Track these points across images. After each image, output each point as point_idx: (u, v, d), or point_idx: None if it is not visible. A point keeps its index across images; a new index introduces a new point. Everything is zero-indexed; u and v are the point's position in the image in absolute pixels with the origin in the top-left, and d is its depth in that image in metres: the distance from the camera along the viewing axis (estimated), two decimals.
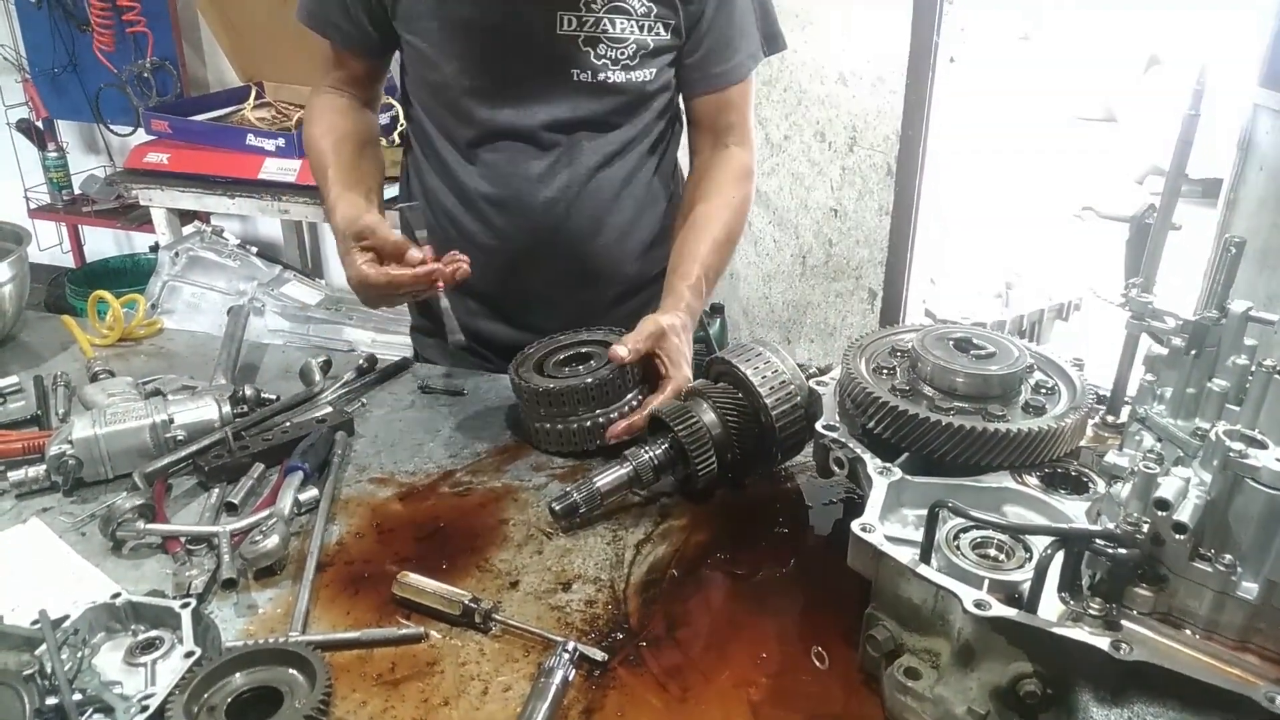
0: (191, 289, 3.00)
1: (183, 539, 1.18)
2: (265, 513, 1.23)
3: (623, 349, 1.40)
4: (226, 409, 1.41)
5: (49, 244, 4.84)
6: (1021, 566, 0.95)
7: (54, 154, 4.45)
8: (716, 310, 4.20)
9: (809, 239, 4.12)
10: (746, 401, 1.29)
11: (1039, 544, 0.95)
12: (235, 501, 1.27)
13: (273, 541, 1.14)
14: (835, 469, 1.15)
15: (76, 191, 4.50)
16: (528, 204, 1.60)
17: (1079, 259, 5.57)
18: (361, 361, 1.63)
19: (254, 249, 3.23)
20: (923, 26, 3.68)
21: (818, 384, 1.27)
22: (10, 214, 4.63)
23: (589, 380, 1.37)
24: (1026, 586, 0.92)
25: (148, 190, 3.62)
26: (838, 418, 1.20)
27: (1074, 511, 1.03)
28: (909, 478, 1.09)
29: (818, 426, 1.18)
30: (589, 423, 1.39)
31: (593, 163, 1.61)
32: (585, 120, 1.58)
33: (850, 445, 1.13)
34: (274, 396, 1.52)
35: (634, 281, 1.74)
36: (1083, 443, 1.14)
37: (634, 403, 1.41)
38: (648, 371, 1.44)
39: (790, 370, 1.29)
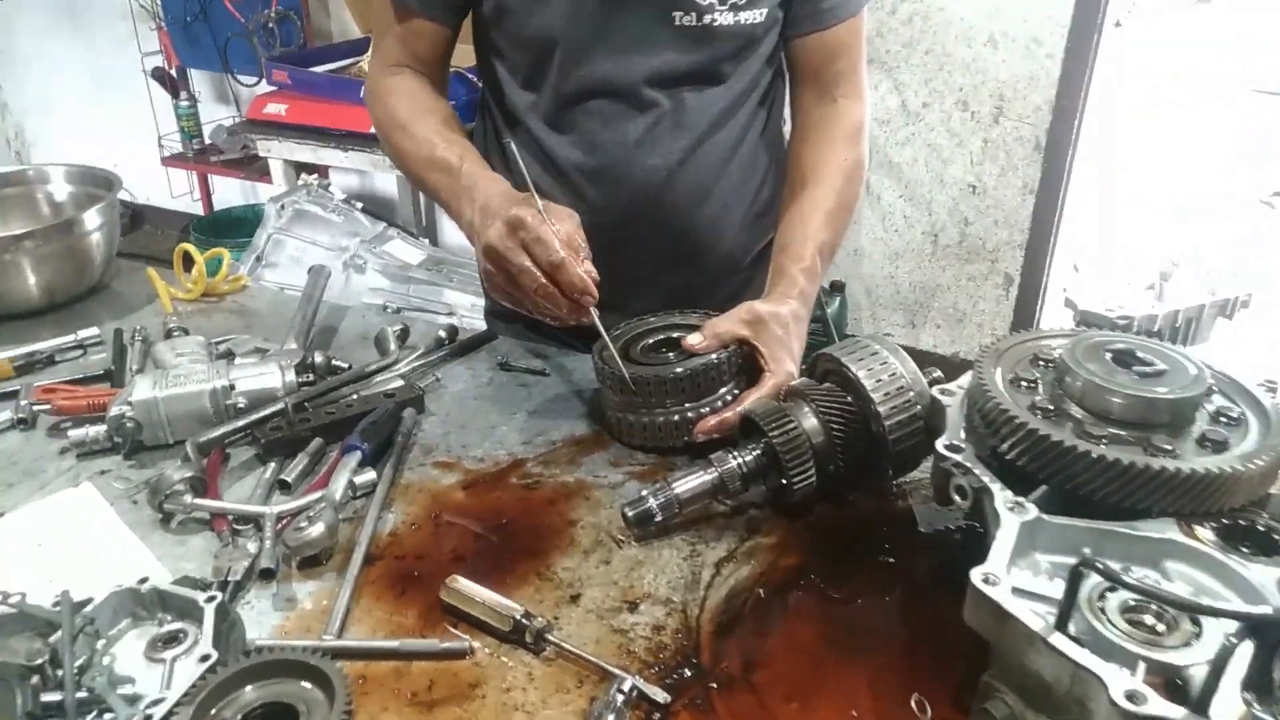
0: (295, 243, 2.98)
1: (230, 517, 1.10)
2: (316, 494, 1.13)
3: (696, 337, 1.25)
4: (291, 377, 1.32)
5: (181, 191, 4.99)
6: (1188, 644, 0.76)
7: (185, 103, 4.56)
8: (837, 288, 3.98)
9: (943, 216, 3.84)
10: (855, 407, 1.12)
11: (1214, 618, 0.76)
12: (289, 480, 1.18)
13: (317, 530, 1.04)
14: (956, 498, 0.97)
15: (206, 141, 4.61)
16: (625, 173, 1.45)
17: (1253, 250, 5.05)
18: (441, 332, 1.53)
19: (359, 204, 3.19)
20: None
21: (942, 392, 1.09)
22: (144, 160, 4.82)
23: (678, 370, 1.23)
24: (1194, 672, 0.73)
25: (266, 141, 3.64)
26: (963, 435, 1.02)
27: (1260, 579, 0.83)
28: (1047, 517, 0.90)
29: (938, 445, 1.00)
30: (676, 417, 1.24)
31: (699, 123, 1.45)
32: (690, 73, 1.41)
33: (976, 472, 0.95)
34: (345, 365, 1.43)
35: (737, 257, 1.57)
36: (1274, 489, 0.93)
37: (728, 398, 1.26)
38: (748, 364, 1.28)
39: (910, 374, 1.11)
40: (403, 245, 3.03)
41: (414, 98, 1.50)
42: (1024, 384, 1.01)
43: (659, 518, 1.08)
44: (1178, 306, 4.29)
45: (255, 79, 4.18)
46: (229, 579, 1.00)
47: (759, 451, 1.12)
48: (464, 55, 1.56)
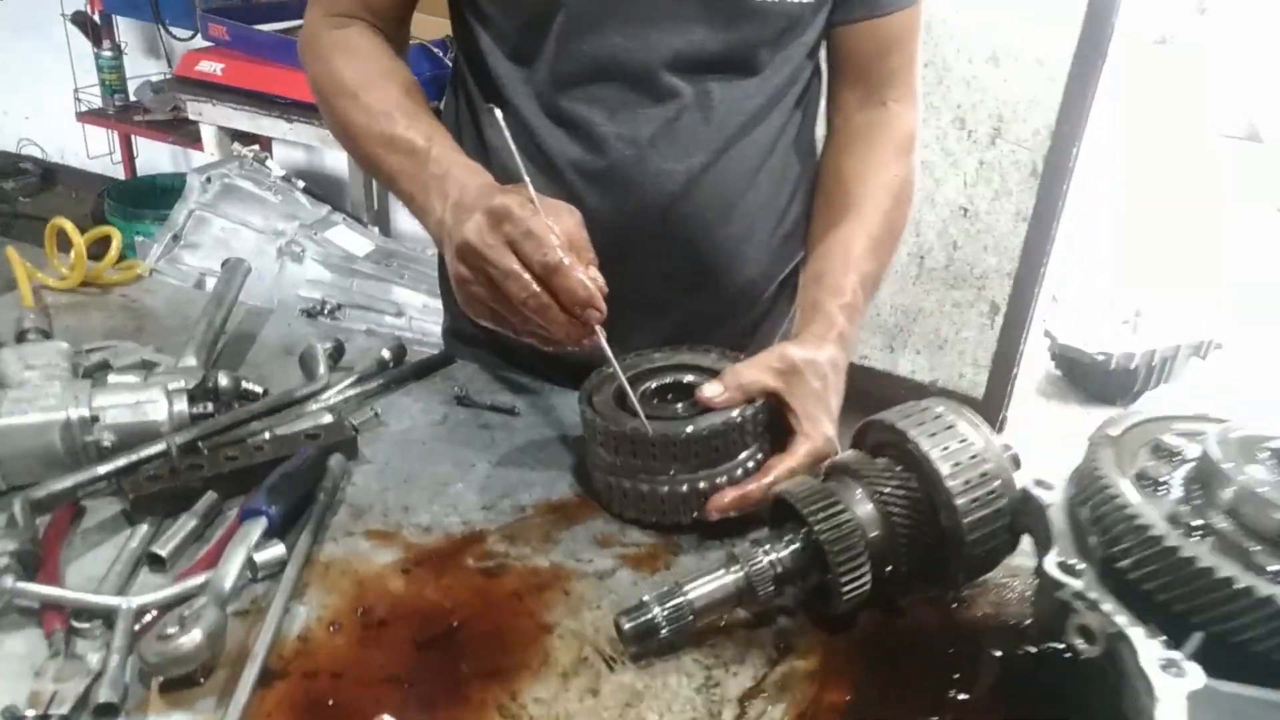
0: (222, 222, 2.63)
1: (67, 610, 0.80)
2: (200, 578, 0.84)
3: (715, 388, 0.98)
4: (181, 406, 1.02)
5: (100, 152, 4.56)
6: None
7: (109, 53, 4.12)
8: None
9: (930, 238, 3.63)
10: (921, 492, 0.86)
11: None
12: (163, 554, 0.88)
13: (191, 639, 0.75)
14: (1078, 642, 0.70)
15: (131, 98, 4.19)
16: (635, 178, 1.16)
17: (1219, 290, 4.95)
18: (385, 352, 1.23)
19: (301, 183, 2.86)
20: (1099, 5, 3.14)
21: (1037, 485, 0.83)
22: (59, 114, 4.37)
23: (690, 430, 0.95)
24: None
25: (197, 103, 3.28)
26: (1071, 544, 0.76)
27: None
28: (1215, 684, 0.65)
29: (1049, 564, 0.74)
30: (685, 488, 0.97)
31: (728, 122, 1.17)
32: (721, 58, 1.13)
33: (1106, 609, 0.69)
34: (260, 390, 1.13)
35: (760, 284, 1.29)
36: None
37: (750, 465, 0.99)
38: (774, 421, 1.01)
39: (993, 454, 0.85)
40: (348, 233, 2.69)
41: (367, 57, 1.18)
42: (1151, 484, 0.76)
43: (665, 633, 0.81)
44: (1154, 346, 4.16)
45: (190, 32, 3.80)
46: (49, 712, 0.70)
47: (798, 546, 0.85)
48: (422, 26, 1.26)
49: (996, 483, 0.84)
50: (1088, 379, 4.14)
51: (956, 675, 0.83)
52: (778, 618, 0.88)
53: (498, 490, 1.03)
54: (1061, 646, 0.79)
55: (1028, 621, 0.88)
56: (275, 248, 2.60)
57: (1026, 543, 0.86)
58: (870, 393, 3.88)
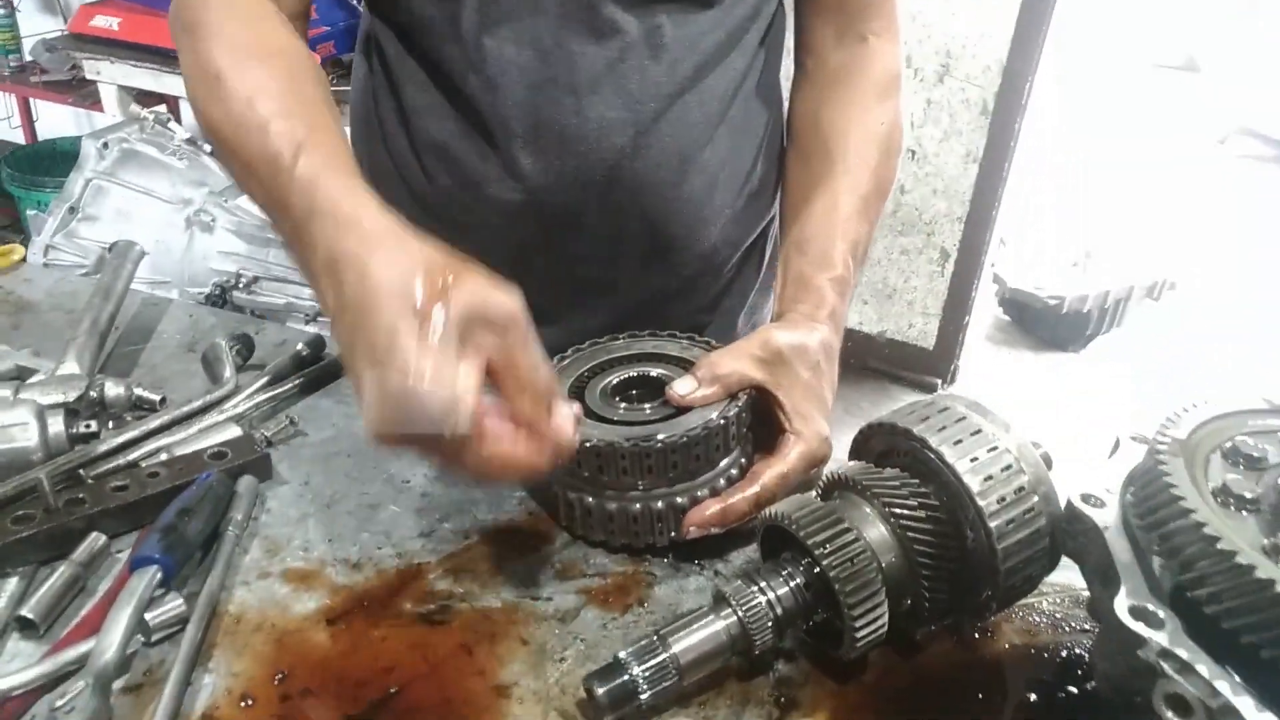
0: (124, 192, 2.38)
1: None
2: (78, 649, 0.68)
3: (689, 384, 0.85)
4: (57, 427, 0.85)
5: None
6: None
7: (1, 10, 3.79)
8: None
9: None
10: (942, 510, 0.74)
11: None
12: (33, 617, 0.72)
13: None
14: (1170, 714, 0.59)
15: (27, 58, 3.85)
16: (574, 133, 0.99)
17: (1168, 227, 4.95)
18: (301, 347, 1.06)
19: (208, 147, 2.61)
20: None
21: (1085, 500, 0.71)
22: None
23: (661, 438, 0.81)
24: None
25: (94, 61, 3.00)
26: (1145, 586, 0.64)
27: None
28: None
29: (1120, 609, 0.62)
30: (659, 503, 0.83)
31: (682, 63, 1.01)
32: None
33: (1204, 674, 0.58)
34: (156, 399, 0.97)
35: (723, 253, 1.15)
36: None
37: (732, 472, 0.86)
38: (759, 416, 0.88)
39: (1028, 462, 0.73)
40: None
41: (244, 27, 0.88)
42: (1235, 501, 0.65)
43: (645, 696, 0.68)
44: (1105, 288, 4.12)
45: None
46: None
47: (800, 581, 0.72)
48: None
49: (1034, 499, 0.72)
50: (1039, 324, 4.10)
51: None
52: (776, 663, 0.76)
53: (437, 512, 0.88)
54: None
55: (1063, 653, 0.77)
56: (183, 218, 2.37)
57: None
58: None
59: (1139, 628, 0.60)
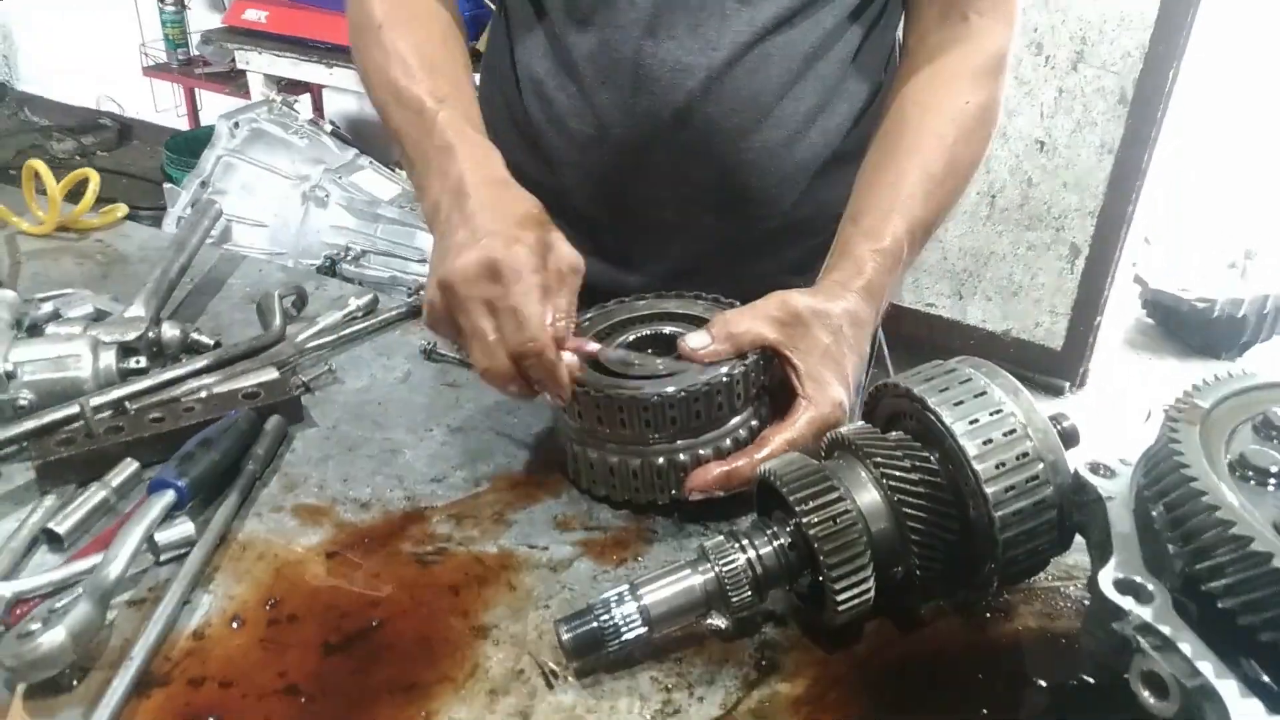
0: (249, 168, 2.53)
1: None
2: (90, 561, 0.73)
3: (701, 338, 0.83)
4: (108, 361, 0.91)
5: (166, 106, 4.56)
6: None
7: (171, 7, 4.09)
8: None
9: (1002, 175, 3.35)
10: (943, 475, 0.69)
11: None
12: (60, 531, 0.77)
13: (53, 638, 0.64)
14: (1147, 695, 0.54)
15: (193, 51, 4.15)
16: (647, 70, 0.99)
17: None
18: (354, 301, 1.10)
19: (329, 127, 2.74)
20: None
21: (1093, 470, 0.66)
22: (131, 71, 4.38)
23: (665, 390, 0.80)
24: None
25: (244, 51, 3.21)
26: (1137, 555, 0.59)
27: None
28: None
29: (1104, 582, 0.57)
30: (661, 459, 0.82)
31: (761, 12, 0.99)
32: None
33: (1186, 651, 0.52)
34: (210, 342, 1.02)
35: (809, 214, 1.11)
36: None
37: (742, 433, 0.84)
38: (775, 384, 0.85)
39: (1036, 427, 0.68)
40: (374, 177, 2.56)
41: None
42: (1256, 476, 0.58)
43: (614, 645, 0.67)
44: (1267, 291, 3.79)
45: None
46: None
47: (785, 541, 0.70)
48: None
49: (1039, 466, 0.67)
50: (1187, 329, 3.80)
51: (986, 710, 0.68)
52: (763, 627, 0.73)
53: (452, 460, 0.90)
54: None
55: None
56: (300, 193, 2.50)
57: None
58: (936, 343, 3.68)
59: (1121, 600, 0.54)
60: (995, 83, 1.03)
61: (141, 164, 4.91)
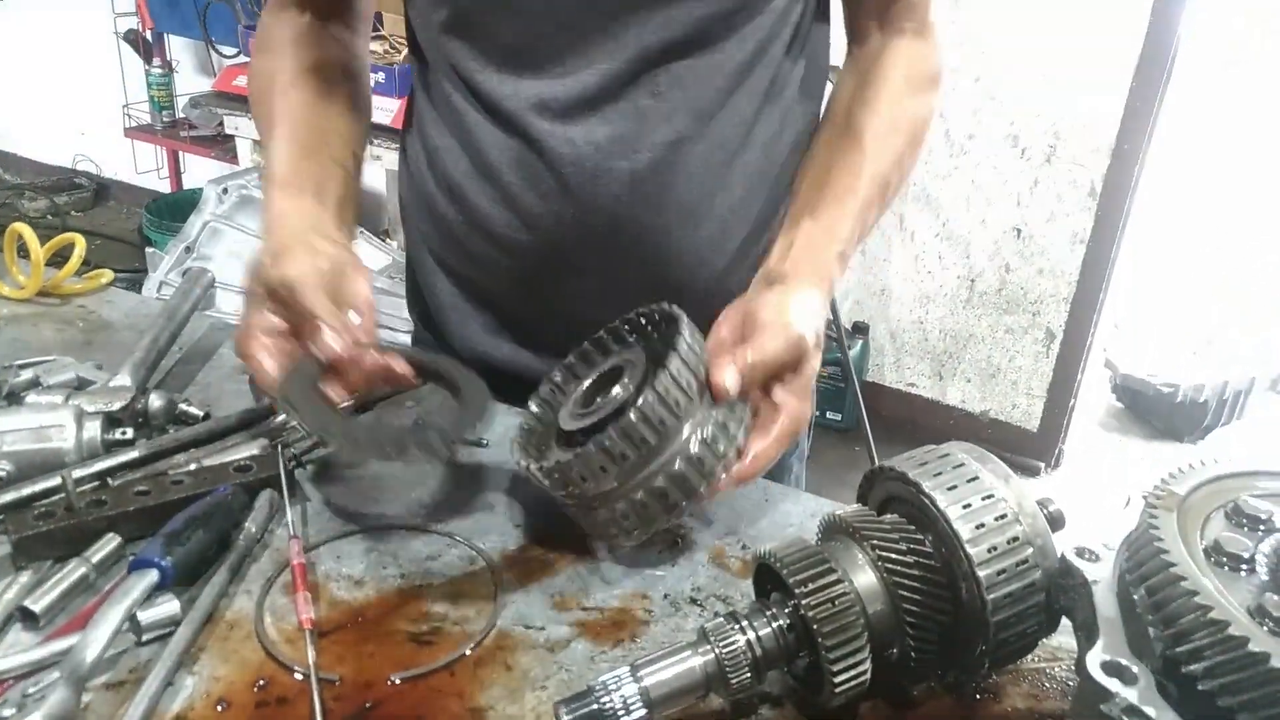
0: (236, 234, 2.54)
1: None
2: (68, 641, 0.71)
3: (730, 376, 0.82)
4: (92, 432, 0.90)
5: (148, 167, 4.58)
6: None
7: (159, 70, 4.13)
8: (859, 330, 3.58)
9: (981, 261, 3.43)
10: (936, 558, 0.70)
11: None
12: (35, 609, 0.75)
13: None
14: None
15: (179, 114, 4.19)
16: (570, 177, 1.00)
17: None
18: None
19: None
20: (1163, 18, 2.94)
21: (1079, 554, 0.66)
22: (111, 130, 4.40)
23: (598, 444, 0.78)
24: None
25: (233, 117, 3.25)
26: (1122, 636, 0.60)
27: None
28: None
29: (1092, 663, 0.57)
30: (639, 494, 0.80)
31: (678, 114, 1.00)
32: (679, 43, 0.97)
33: None
34: (199, 414, 1.01)
35: (735, 286, 1.05)
36: None
37: (702, 433, 0.81)
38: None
39: (1026, 514, 0.69)
40: (363, 247, 2.58)
41: (277, 46, 1.10)
42: (1229, 561, 0.59)
43: None
44: (1225, 377, 3.87)
45: (235, 50, 3.78)
46: None
47: (784, 623, 0.69)
48: None
49: (1029, 550, 0.68)
50: (1153, 412, 3.88)
51: None
52: (760, 708, 0.72)
53: (448, 538, 0.89)
54: None
55: None
56: None
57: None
58: (916, 422, 3.72)
59: (1108, 682, 0.55)
60: (931, 95, 1.08)
61: (117, 225, 4.90)
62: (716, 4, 0.96)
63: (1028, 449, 3.54)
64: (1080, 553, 0.66)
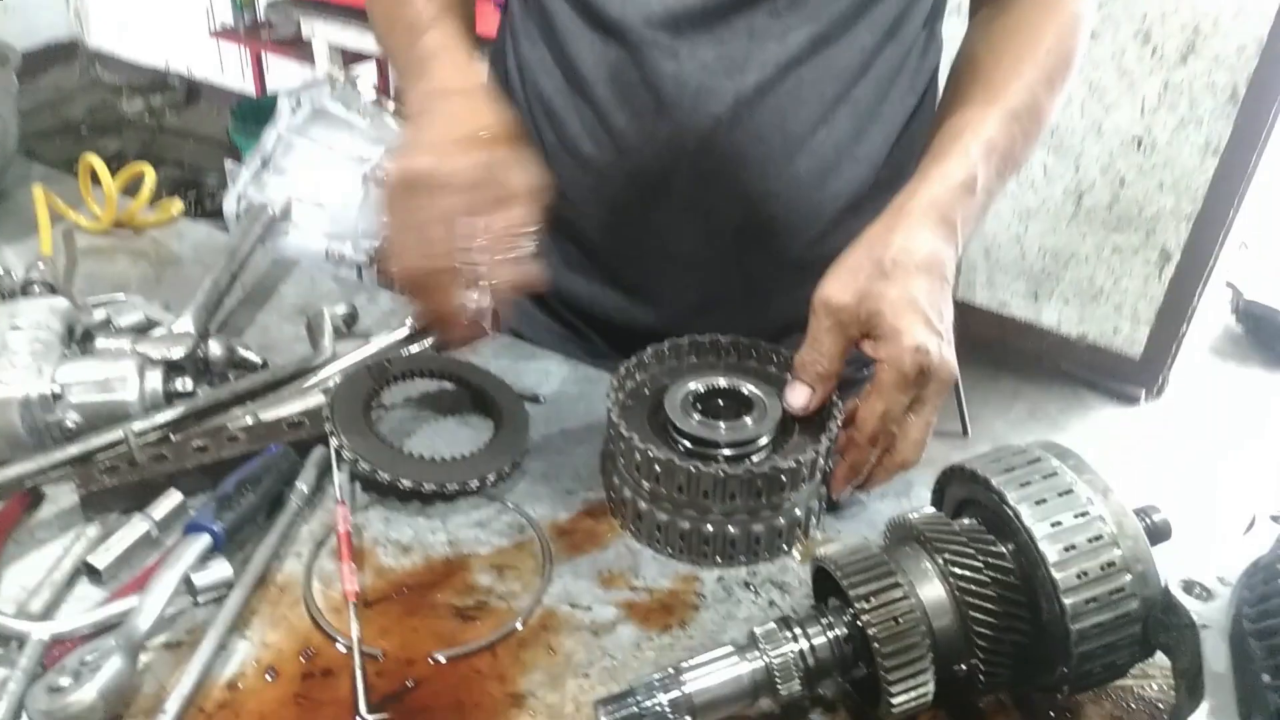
0: (310, 146, 2.52)
1: None
2: (122, 604, 0.72)
3: (801, 395, 0.80)
4: (154, 383, 0.90)
5: (234, 69, 4.60)
6: None
7: None
8: None
9: (1093, 173, 3.20)
10: (1015, 572, 0.64)
11: None
12: (99, 566, 0.76)
13: (82, 699, 0.63)
14: None
15: (260, 17, 4.17)
16: (668, 95, 0.93)
17: None
18: (409, 323, 1.07)
19: (392, 106, 2.71)
20: None
21: (1187, 590, 0.60)
22: (194, 31, 4.42)
23: (724, 470, 0.76)
24: None
25: (309, 20, 3.21)
26: (1234, 700, 0.53)
27: None
28: None
29: None
30: (710, 527, 0.78)
31: (794, 34, 0.91)
32: None
33: None
34: (258, 361, 1.00)
35: (836, 248, 1.03)
36: None
37: (799, 511, 0.80)
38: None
39: (1125, 534, 0.62)
40: None
41: None
42: None
43: None
44: None
45: None
46: None
47: (841, 633, 0.65)
48: None
49: (1126, 578, 0.61)
50: (1278, 340, 3.63)
51: None
52: (810, 713, 0.69)
53: (496, 504, 0.87)
54: None
55: None
56: (361, 174, 2.49)
57: None
58: (1007, 344, 3.56)
59: None
60: (1074, 38, 0.95)
61: (208, 126, 4.96)
62: None
63: (1128, 376, 3.36)
64: (1188, 587, 0.59)
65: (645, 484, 0.80)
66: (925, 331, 0.77)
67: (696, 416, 0.82)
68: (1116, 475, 0.66)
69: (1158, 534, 0.67)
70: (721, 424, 0.81)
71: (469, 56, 0.91)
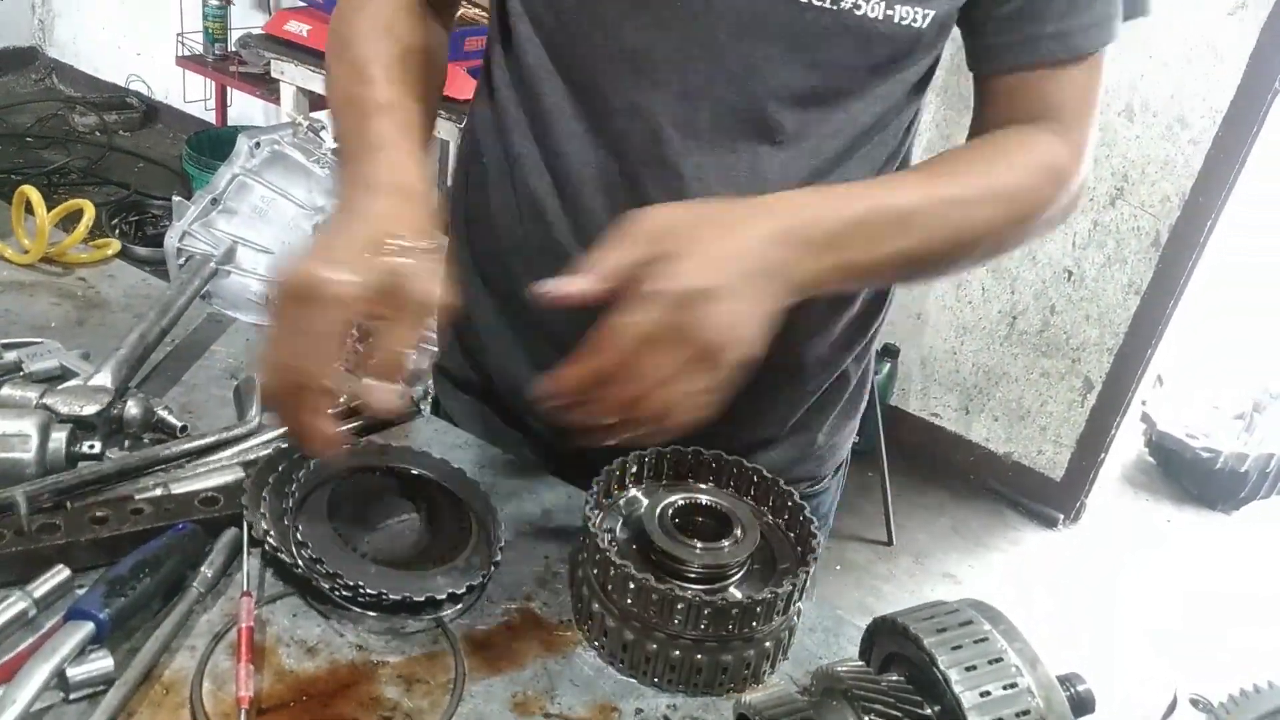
0: (264, 190, 2.47)
1: None
2: None
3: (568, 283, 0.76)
4: (58, 443, 0.84)
5: (196, 97, 4.54)
6: None
7: (215, 2, 4.09)
8: (889, 352, 3.48)
9: (1026, 298, 3.31)
10: None
11: None
12: None
13: None
14: None
15: (231, 48, 4.13)
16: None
17: None
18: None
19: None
20: (1265, 60, 2.78)
21: None
22: (165, 55, 4.36)
23: (693, 596, 0.75)
24: None
25: (279, 62, 3.19)
26: None
27: None
28: None
29: None
30: (678, 653, 0.77)
31: (796, 163, 0.92)
32: (799, 88, 0.88)
33: None
34: (176, 425, 0.95)
35: (809, 370, 1.05)
36: None
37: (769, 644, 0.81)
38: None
39: (1054, 707, 0.61)
40: None
41: (378, 14, 0.97)
42: None
43: None
44: (1273, 450, 3.72)
45: None
46: None
47: None
48: None
49: None
50: (1187, 475, 3.75)
51: None
52: None
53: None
54: None
55: None
56: (311, 224, 2.45)
57: None
58: (937, 454, 3.63)
59: None
60: (1052, 185, 0.92)
61: (161, 150, 4.85)
62: (877, 52, 0.87)
63: (1049, 498, 3.44)
64: None
65: (615, 599, 0.77)
66: (726, 291, 0.74)
67: (675, 535, 0.80)
68: (1032, 599, 0.65)
69: (1082, 706, 0.66)
70: (697, 544, 0.80)
71: (412, 152, 0.86)
